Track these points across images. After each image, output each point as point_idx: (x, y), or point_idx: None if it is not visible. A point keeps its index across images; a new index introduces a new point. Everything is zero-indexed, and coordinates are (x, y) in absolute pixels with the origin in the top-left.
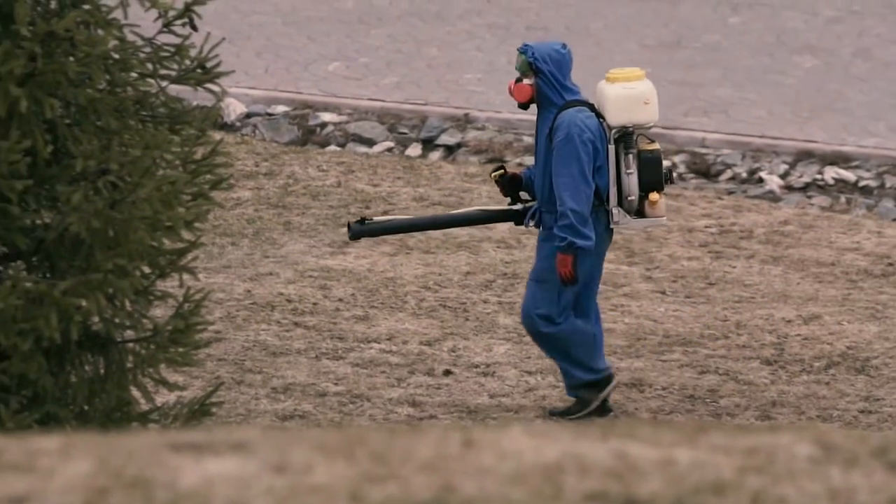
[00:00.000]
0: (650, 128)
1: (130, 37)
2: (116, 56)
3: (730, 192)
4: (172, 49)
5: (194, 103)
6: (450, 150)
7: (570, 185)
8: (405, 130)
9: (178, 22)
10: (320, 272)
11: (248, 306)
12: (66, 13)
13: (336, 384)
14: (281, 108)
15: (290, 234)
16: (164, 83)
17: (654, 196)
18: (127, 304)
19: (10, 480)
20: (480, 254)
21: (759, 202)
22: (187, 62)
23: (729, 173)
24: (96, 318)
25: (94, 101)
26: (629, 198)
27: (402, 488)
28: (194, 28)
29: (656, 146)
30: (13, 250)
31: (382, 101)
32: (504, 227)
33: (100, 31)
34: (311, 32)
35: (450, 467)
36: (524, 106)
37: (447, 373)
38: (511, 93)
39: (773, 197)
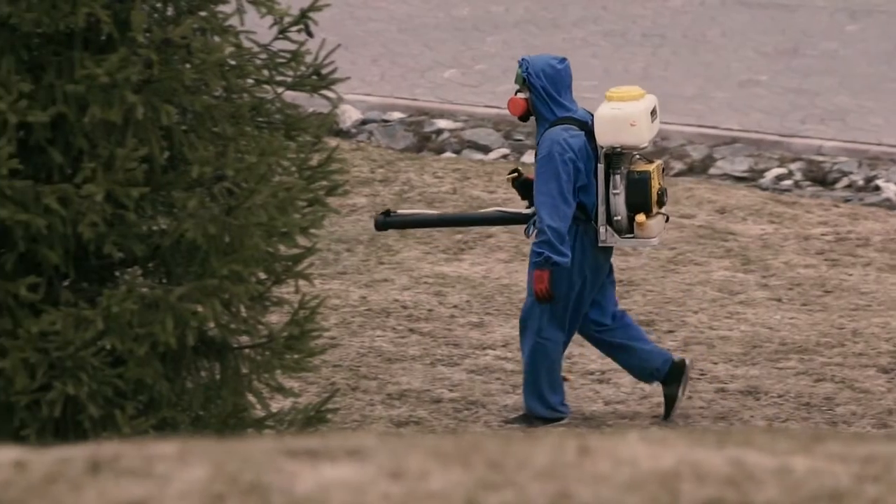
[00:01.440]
0: (643, 149)
1: (246, 43)
2: (233, 63)
3: (846, 200)
4: (288, 55)
5: (310, 110)
6: None
7: (549, 203)
8: (520, 137)
9: (294, 28)
10: (435, 279)
11: (364, 313)
12: (183, 20)
13: (451, 391)
14: (397, 115)
15: (406, 241)
16: (280, 89)
17: (640, 218)
18: (242, 309)
19: (128, 486)
20: None
21: (876, 210)
22: (303, 68)
23: (845, 181)
24: (212, 324)
25: (211, 107)
26: (616, 217)
27: (517, 495)
28: (310, 34)
29: (649, 167)
30: (130, 256)
31: (498, 107)
32: None
33: (216, 38)
34: (426, 39)
35: (566, 474)
36: (522, 119)
37: (563, 379)
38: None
39: (889, 205)
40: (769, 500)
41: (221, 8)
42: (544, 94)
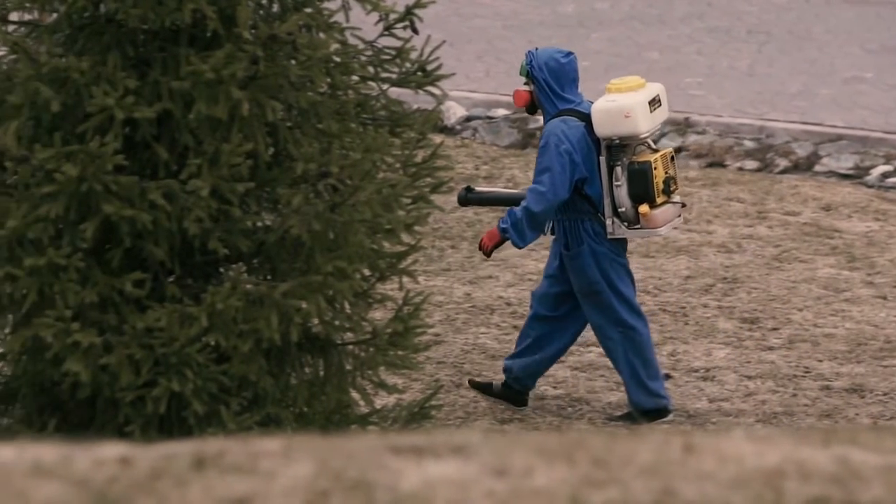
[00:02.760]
0: (642, 139)
1: (352, 40)
2: (338, 59)
3: None
4: (393, 52)
5: (415, 106)
6: None
7: (537, 190)
8: None
9: (400, 25)
10: (539, 275)
11: (468, 309)
12: (288, 16)
13: (555, 388)
14: (501, 112)
15: None
16: (384, 86)
17: (643, 209)
18: (347, 306)
19: (233, 482)
20: (700, 258)
21: None
22: (408, 65)
23: None
24: (316, 321)
25: (316, 104)
26: (621, 209)
27: (622, 492)
28: (415, 31)
29: (651, 157)
30: (234, 252)
31: None
32: (724, 232)
33: (321, 35)
34: (531, 36)
35: (670, 472)
36: (529, 111)
37: (667, 377)
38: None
39: None
40: (875, 499)
41: (327, 4)
42: (546, 88)
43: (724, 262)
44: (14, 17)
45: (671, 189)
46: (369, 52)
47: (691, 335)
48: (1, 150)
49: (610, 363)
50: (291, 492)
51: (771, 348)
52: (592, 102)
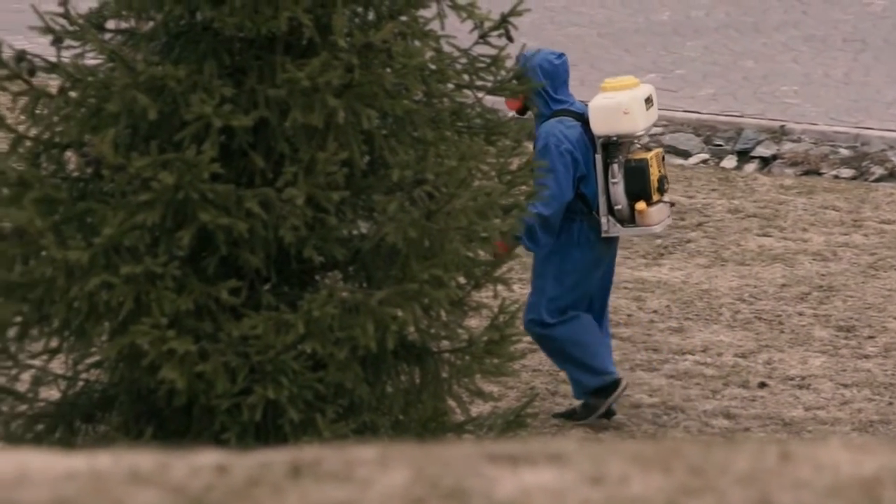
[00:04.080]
0: (639, 137)
1: (447, 48)
2: (433, 67)
3: None
4: (489, 60)
5: (510, 114)
6: (765, 161)
7: (543, 193)
8: (720, 142)
9: (495, 33)
10: (635, 283)
11: None
12: (384, 24)
13: (650, 396)
14: None
15: None
16: (480, 94)
17: (640, 205)
18: (443, 314)
19: (329, 489)
20: (796, 266)
21: None
22: (503, 73)
23: None
24: (412, 329)
25: (411, 112)
26: (616, 207)
27: (718, 500)
28: (510, 39)
29: (646, 155)
30: (330, 260)
31: (698, 112)
32: (820, 240)
33: (416, 43)
34: (626, 44)
35: (766, 480)
36: (520, 113)
37: (762, 385)
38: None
39: None
40: None
41: (422, 12)
42: (541, 89)
43: (820, 270)
44: (111, 25)
45: (664, 188)
46: (464, 60)
47: (787, 343)
48: (98, 158)
49: (706, 372)
50: (387, 500)
51: (867, 356)
52: (585, 103)
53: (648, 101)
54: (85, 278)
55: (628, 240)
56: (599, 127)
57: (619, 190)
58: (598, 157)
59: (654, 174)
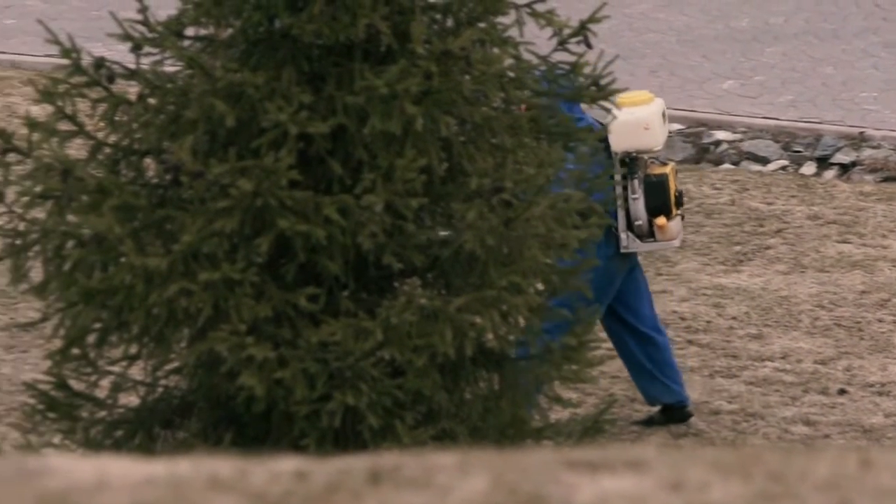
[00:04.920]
0: (657, 152)
1: (525, 55)
2: (511, 74)
3: None
4: (567, 67)
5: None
6: (844, 168)
7: None
8: (799, 149)
9: (574, 40)
10: (714, 290)
11: None
12: (462, 31)
13: (729, 402)
14: (675, 126)
15: (684, 252)
16: (558, 101)
17: (660, 221)
18: (521, 321)
19: (408, 496)
20: (876, 273)
21: None
22: (582, 80)
23: None
24: (490, 335)
25: (489, 118)
26: (637, 222)
27: None
28: (589, 46)
29: (665, 170)
30: (409, 267)
31: (777, 119)
32: None
33: (495, 50)
34: (705, 51)
35: (847, 487)
36: None
37: (842, 392)
38: None
39: None
40: None
41: (501, 19)
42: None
43: None
44: (190, 32)
45: (682, 201)
46: (543, 67)
47: (867, 350)
48: (176, 164)
49: (786, 379)
50: None
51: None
52: (596, 120)
53: (664, 115)
54: (164, 285)
55: (707, 246)
56: (620, 143)
57: (639, 205)
58: (617, 174)
59: (673, 188)
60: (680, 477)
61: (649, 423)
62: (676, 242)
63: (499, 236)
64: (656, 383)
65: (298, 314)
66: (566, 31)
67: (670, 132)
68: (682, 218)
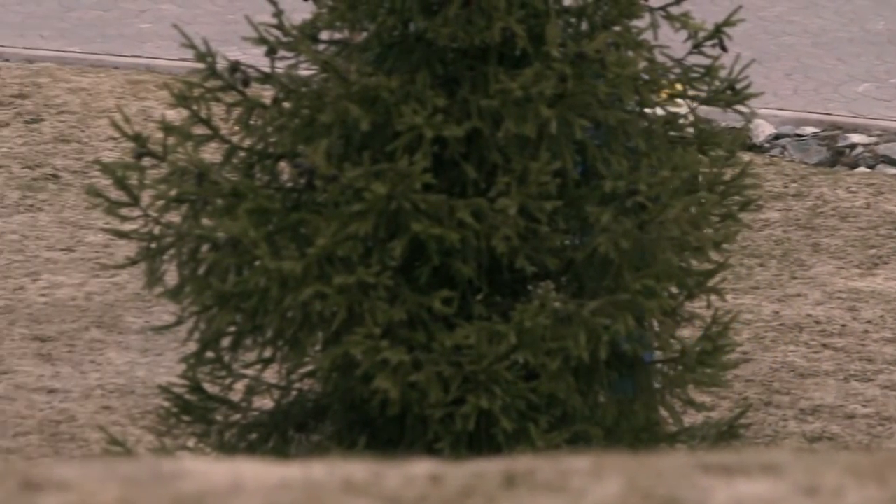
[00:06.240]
0: None
1: (660, 58)
2: (646, 77)
3: None
4: (702, 70)
5: (723, 124)
6: None
7: None
8: None
9: (709, 43)
10: (849, 294)
11: (776, 328)
12: (597, 34)
13: (864, 406)
14: (810, 130)
15: (819, 256)
16: (693, 104)
17: None
18: (655, 324)
19: (543, 499)
20: None
21: None
22: (717, 83)
23: None
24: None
25: (624, 122)
26: None
27: None
28: (724, 49)
29: None
30: (542, 270)
31: None
32: None
33: (630, 53)
34: (840, 53)
35: None
36: None
37: None
38: None
39: None
40: None
41: (636, 22)
42: None
43: None
44: (324, 36)
45: None
46: (678, 70)
47: None
48: (311, 168)
49: None
50: None
51: None
52: None
53: None
54: (298, 288)
55: (842, 250)
56: None
57: None
58: None
59: None
60: (815, 481)
61: None
62: None
63: (633, 239)
64: None
65: (432, 317)
66: (701, 35)
67: (805, 135)
68: None
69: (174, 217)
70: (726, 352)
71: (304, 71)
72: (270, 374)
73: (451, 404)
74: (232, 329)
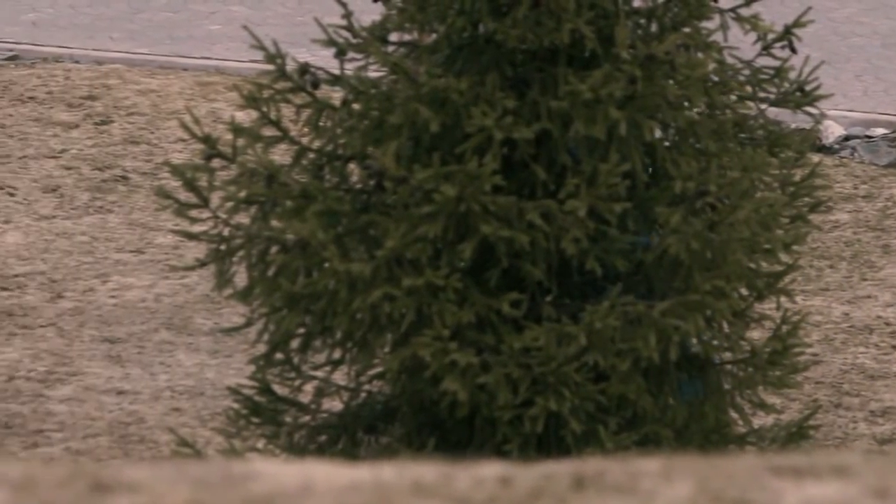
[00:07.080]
0: None
1: (729, 59)
2: (716, 79)
3: None
4: (772, 72)
5: (792, 126)
6: None
7: None
8: None
9: (778, 44)
10: None
11: (846, 329)
12: (667, 36)
13: None
14: (880, 131)
15: (889, 257)
16: (763, 106)
17: None
18: (725, 325)
19: (612, 502)
20: None
21: None
22: (787, 85)
23: None
24: (694, 340)
25: (693, 123)
26: None
27: None
28: (794, 50)
29: None
30: (612, 272)
31: None
32: None
33: (699, 54)
34: None
35: None
36: None
37: None
38: None
39: None
40: None
41: (705, 24)
42: None
43: None
44: (394, 37)
45: None
46: (747, 72)
47: None
48: (380, 170)
49: None
50: None
51: None
52: None
53: None
54: (367, 290)
55: None
56: None
57: None
58: None
59: None
60: (885, 484)
61: None
62: None
63: (703, 241)
64: None
65: (501, 320)
66: (771, 36)
67: (875, 136)
68: None
69: (243, 219)
70: (796, 353)
71: (374, 73)
72: (339, 376)
73: (520, 406)
74: (301, 331)
